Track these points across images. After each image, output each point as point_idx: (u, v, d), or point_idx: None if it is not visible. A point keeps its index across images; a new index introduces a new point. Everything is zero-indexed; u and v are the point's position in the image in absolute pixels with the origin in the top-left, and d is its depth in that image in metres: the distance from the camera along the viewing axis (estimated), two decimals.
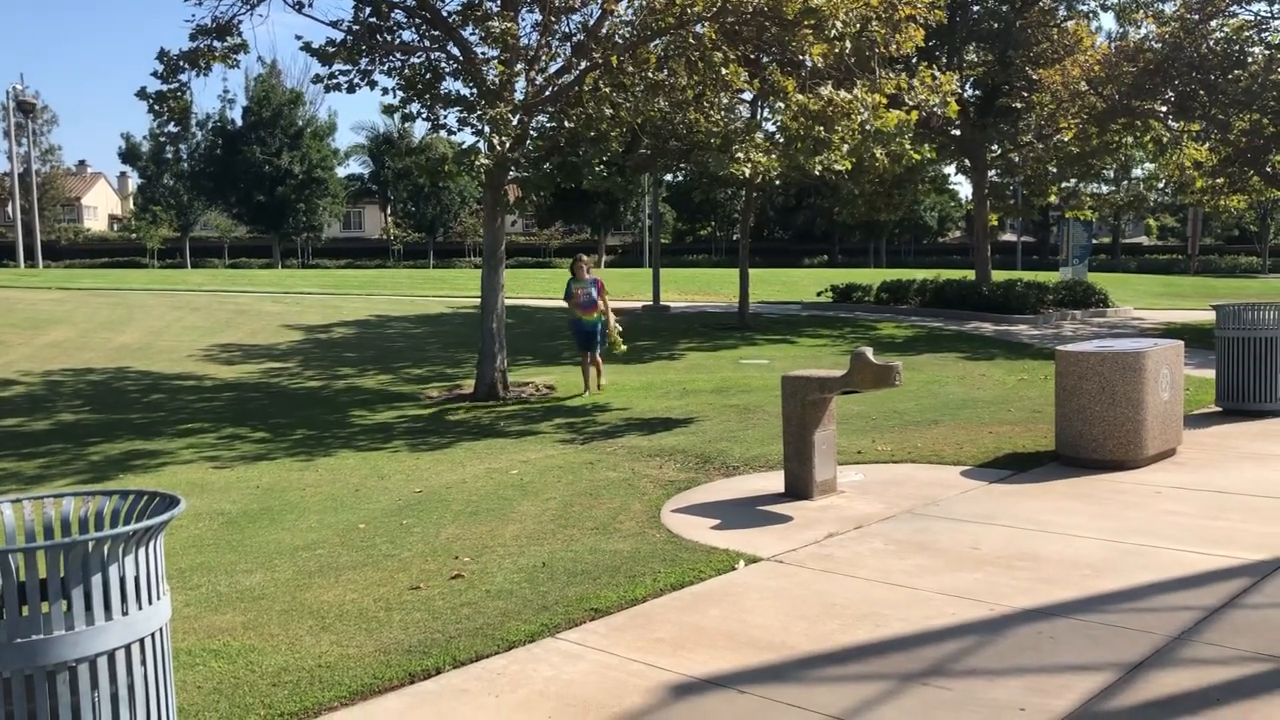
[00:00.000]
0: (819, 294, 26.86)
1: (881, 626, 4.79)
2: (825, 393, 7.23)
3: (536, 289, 31.43)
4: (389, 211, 69.16)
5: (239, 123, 57.61)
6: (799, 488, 7.22)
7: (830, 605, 5.09)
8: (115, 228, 77.23)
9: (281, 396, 13.83)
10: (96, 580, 2.59)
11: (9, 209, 60.98)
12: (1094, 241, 29.94)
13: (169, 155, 57.73)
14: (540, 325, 21.58)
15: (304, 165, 57.95)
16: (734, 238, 66.26)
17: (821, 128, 12.20)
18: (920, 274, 28.43)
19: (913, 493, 7.35)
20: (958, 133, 24.04)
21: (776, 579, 5.55)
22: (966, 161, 25.60)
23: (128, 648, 2.66)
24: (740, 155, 12.46)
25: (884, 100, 12.53)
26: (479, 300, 14.10)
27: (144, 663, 2.72)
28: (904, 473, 8.07)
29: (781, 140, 13.32)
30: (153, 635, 2.75)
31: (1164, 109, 22.32)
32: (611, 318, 13.35)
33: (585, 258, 13.81)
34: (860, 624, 4.83)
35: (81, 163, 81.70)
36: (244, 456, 9.78)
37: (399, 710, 4.03)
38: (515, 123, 12.39)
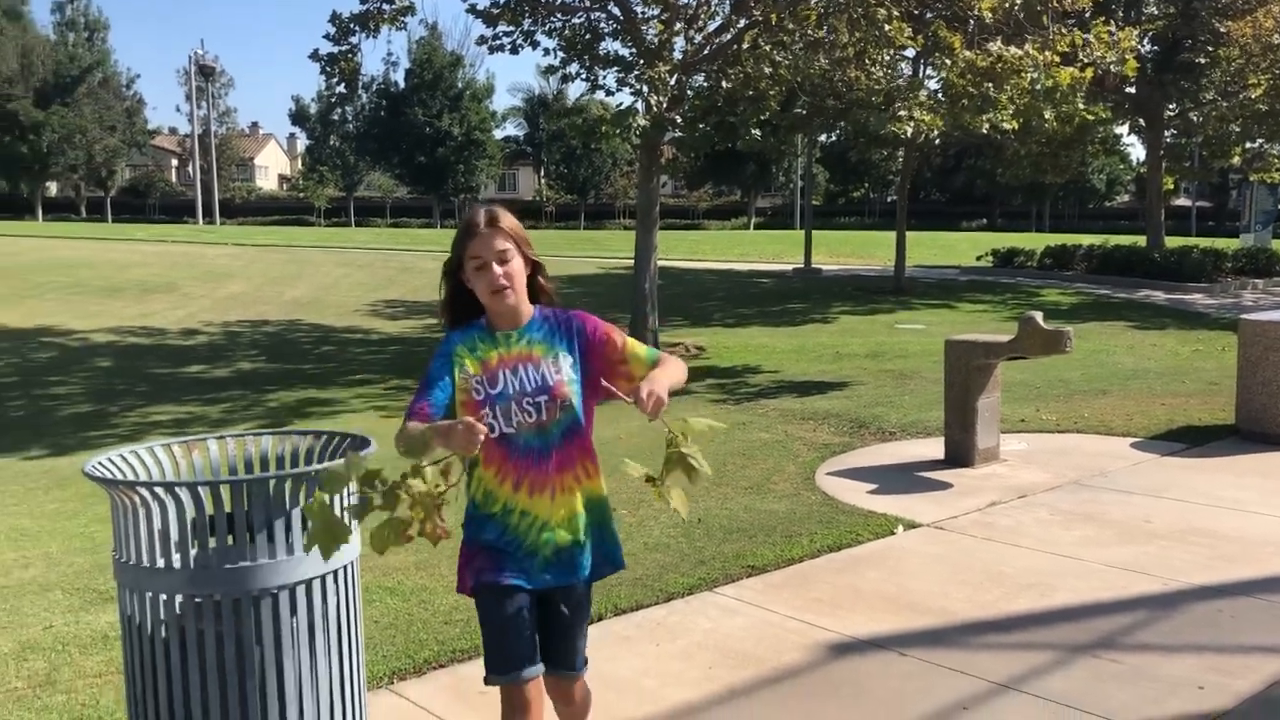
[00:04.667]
0: (978, 258, 26.08)
1: (1047, 596, 4.68)
2: (991, 358, 7.05)
3: (686, 250, 31.47)
4: (542, 173, 70.13)
5: (401, 85, 59.18)
6: (960, 455, 7.08)
7: (993, 573, 5.00)
8: (284, 187, 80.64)
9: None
10: (296, 514, 2.76)
11: (189, 169, 64.31)
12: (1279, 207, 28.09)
13: (336, 117, 59.72)
14: (690, 287, 21.63)
15: (463, 127, 59.17)
16: (888, 200, 64.86)
17: (989, 85, 11.79)
18: (1086, 239, 27.30)
19: (1080, 463, 7.12)
20: (1133, 91, 22.86)
21: (936, 545, 5.48)
22: (1141, 121, 24.37)
23: (323, 578, 2.82)
24: (903, 113, 12.16)
25: (1056, 58, 12.02)
26: (629, 261, 14.23)
27: (336, 594, 2.88)
28: (1070, 443, 7.82)
29: (945, 98, 12.94)
30: (345, 568, 2.90)
31: None
32: (658, 394, 2.57)
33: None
34: (1025, 593, 4.73)
35: (254, 124, 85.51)
36: None
37: None
38: (673, 82, 12.38)
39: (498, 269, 2.58)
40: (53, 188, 63.74)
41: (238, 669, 2.71)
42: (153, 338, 15.62)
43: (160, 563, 2.72)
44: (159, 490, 2.70)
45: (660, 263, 13.78)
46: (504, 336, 2.67)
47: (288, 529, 2.76)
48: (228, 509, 2.72)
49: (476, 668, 3.51)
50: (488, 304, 2.63)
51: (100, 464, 2.85)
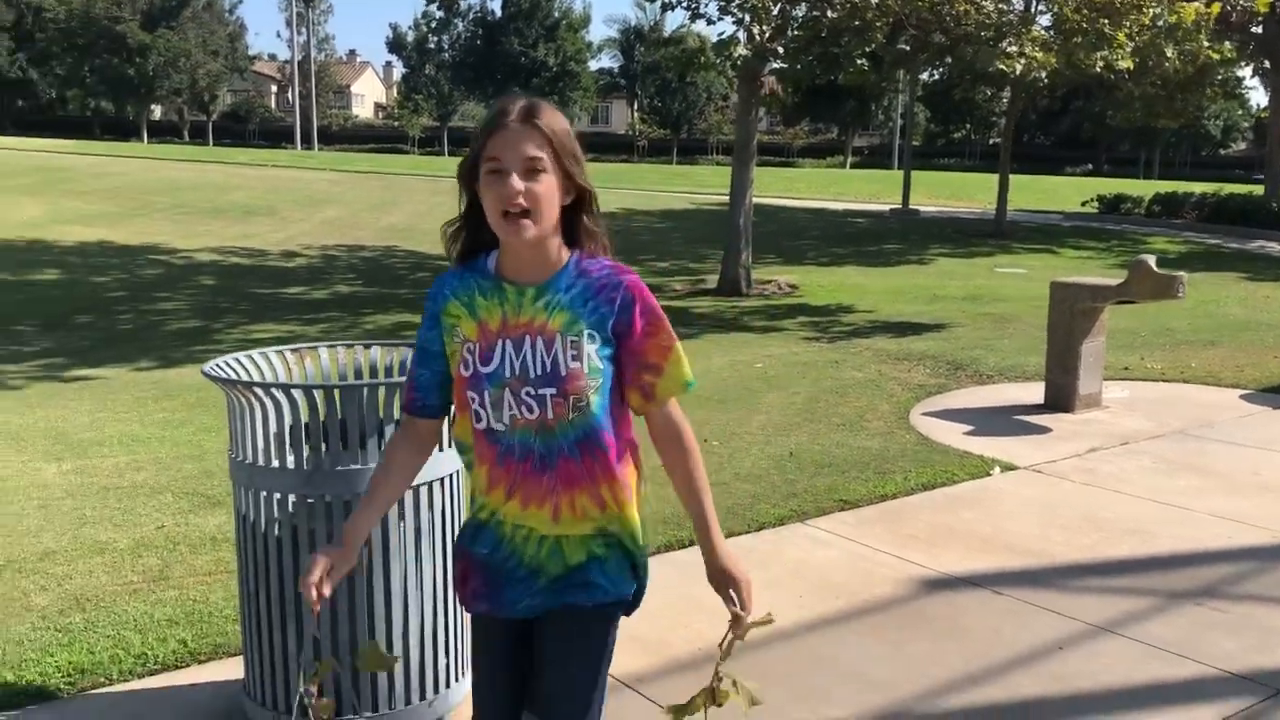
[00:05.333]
0: (1083, 204, 25.28)
1: (1148, 543, 4.57)
2: (1097, 301, 6.84)
3: (780, 188, 31.06)
4: (635, 107, 69.65)
5: (498, 14, 59.06)
6: (1060, 399, 6.92)
7: (1092, 518, 4.90)
8: (380, 115, 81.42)
9: None
10: None
11: (289, 95, 65.22)
12: None
13: (432, 45, 59.96)
14: (783, 224, 21.38)
15: (558, 58, 59.00)
16: (990, 141, 63.04)
17: (1106, 21, 11.32)
18: (1198, 186, 26.24)
19: (1185, 413, 6.91)
20: (1259, 30, 21.76)
21: (1034, 487, 5.38)
22: (1266, 63, 23.23)
23: (429, 485, 2.88)
24: (1012, 50, 11.76)
25: None
26: (722, 197, 14.10)
27: (441, 501, 2.93)
28: (1176, 392, 7.59)
29: (1058, 34, 12.47)
30: (450, 476, 2.96)
31: None
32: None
33: None
34: (1125, 539, 4.63)
35: (351, 52, 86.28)
36: None
37: (658, 573, 4.19)
38: (776, 11, 12.13)
39: (517, 181, 1.83)
40: (157, 111, 65.25)
41: None
42: (253, 258, 16.00)
43: (275, 462, 2.80)
44: (275, 392, 2.77)
45: (754, 200, 13.61)
46: (515, 292, 1.95)
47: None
48: (339, 414, 2.78)
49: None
50: (498, 231, 1.89)
51: (219, 365, 2.93)
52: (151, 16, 56.42)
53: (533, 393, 1.90)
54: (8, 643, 3.56)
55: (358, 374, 3.23)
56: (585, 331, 1.92)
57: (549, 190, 1.86)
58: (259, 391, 2.76)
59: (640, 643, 3.51)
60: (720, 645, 1.95)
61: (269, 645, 2.91)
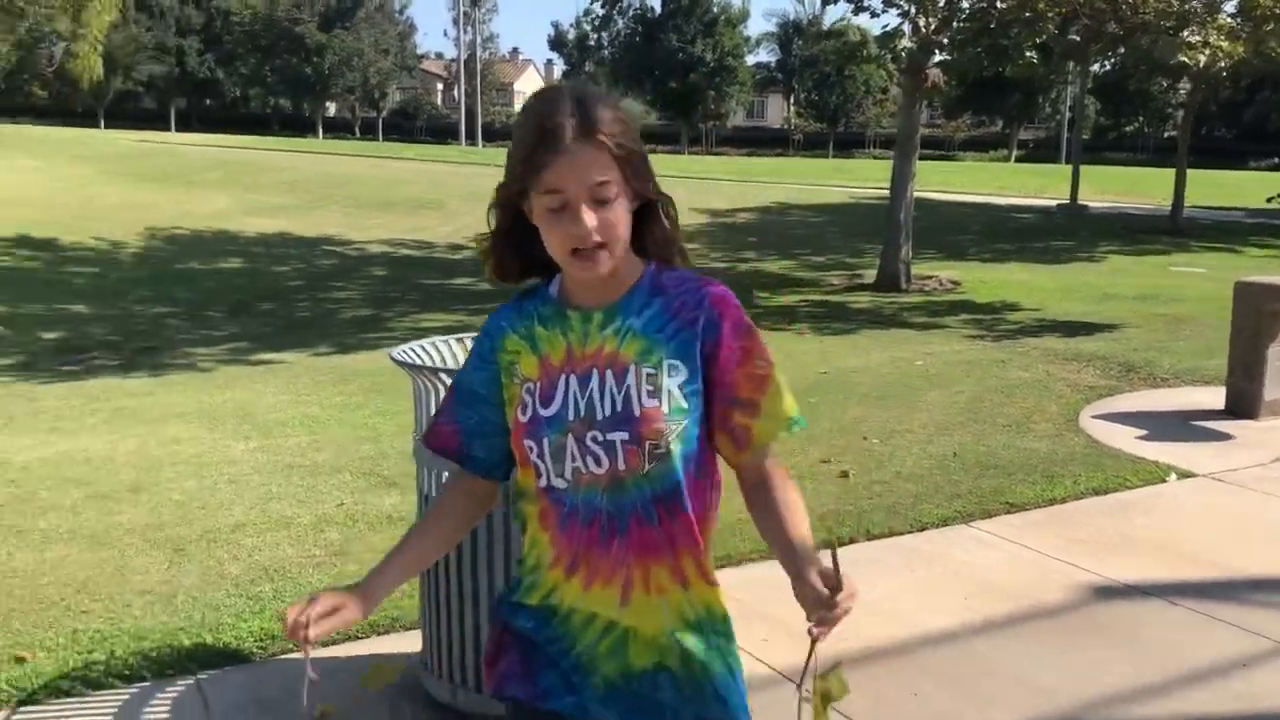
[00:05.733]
0: (1268, 200, 23.83)
1: None
2: None
3: (940, 182, 30.31)
4: (791, 100, 69.07)
5: (658, 10, 59.45)
6: (1243, 405, 6.59)
7: (1278, 530, 4.66)
8: None
9: None
10: None
11: (454, 93, 67.18)
12: None
13: (592, 43, 60.81)
14: (944, 219, 20.89)
15: (715, 53, 59.01)
16: (1165, 134, 60.10)
17: None
18: None
19: None
20: None
21: (1213, 496, 5.15)
22: None
23: None
24: (1194, 39, 11.21)
25: None
26: (880, 191, 13.89)
27: None
28: None
29: (1247, 22, 11.82)
30: None
31: None
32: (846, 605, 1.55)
33: None
34: None
35: (514, 50, 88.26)
36: None
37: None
38: (943, 3, 11.87)
39: (588, 217, 1.51)
40: (331, 108, 68.14)
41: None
42: (422, 250, 16.58)
43: None
44: None
45: (915, 194, 13.35)
46: (581, 318, 1.62)
47: None
48: None
49: (768, 568, 3.60)
50: (566, 268, 1.59)
51: (405, 351, 3.09)
52: (328, 18, 58.97)
53: (600, 438, 1.55)
54: (206, 608, 3.83)
55: None
56: (664, 361, 1.57)
57: (622, 213, 1.54)
58: (444, 376, 2.89)
59: (795, 639, 3.53)
60: (809, 657, 1.49)
61: (447, 622, 3.05)
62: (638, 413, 1.55)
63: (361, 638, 3.63)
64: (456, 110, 60.17)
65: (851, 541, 4.49)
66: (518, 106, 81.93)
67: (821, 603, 1.44)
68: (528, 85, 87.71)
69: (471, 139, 56.44)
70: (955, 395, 7.25)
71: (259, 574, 4.14)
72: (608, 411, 1.56)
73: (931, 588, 4.05)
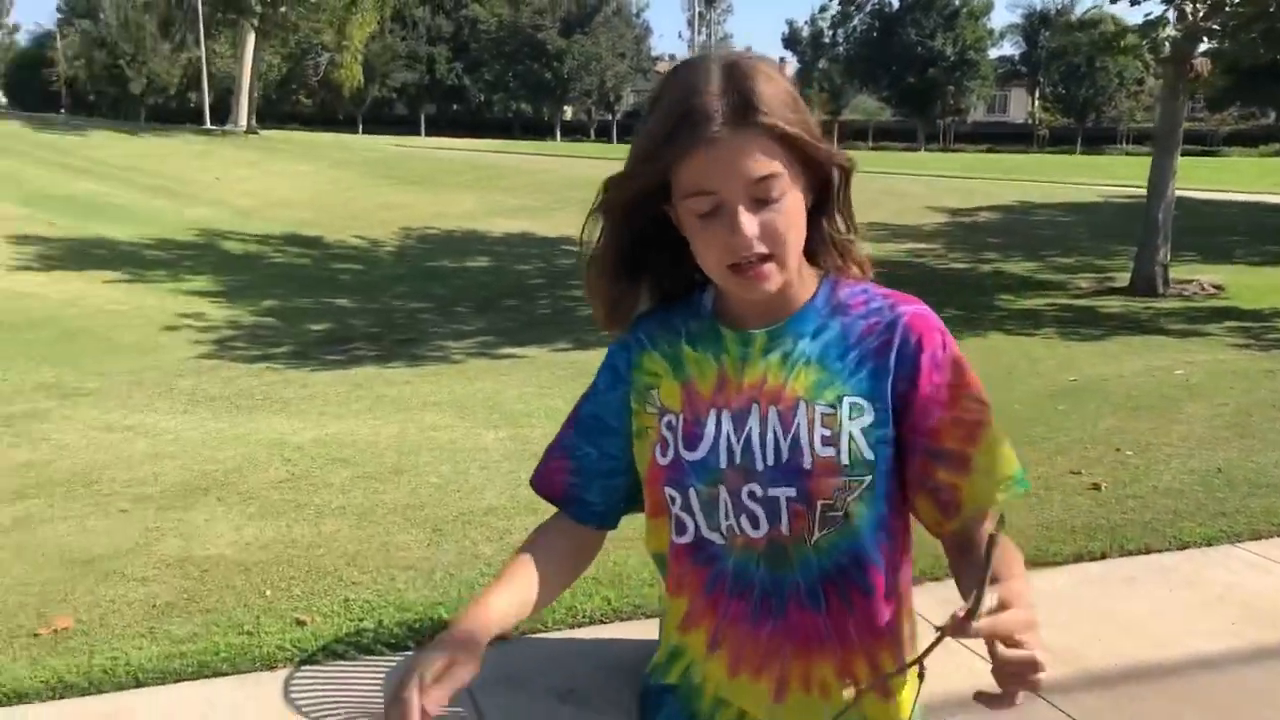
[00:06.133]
0: None
1: None
2: None
3: (1202, 179, 28.27)
4: (1036, 94, 66.07)
5: (895, 5, 58.22)
6: None
7: None
8: None
9: (930, 276, 14.09)
10: None
11: None
12: None
13: (827, 39, 60.20)
14: (1205, 219, 19.47)
15: (956, 47, 57.25)
16: None
17: None
18: None
19: None
20: None
21: None
22: None
23: None
24: None
25: None
26: (1133, 190, 13.10)
27: None
28: None
29: None
30: None
31: None
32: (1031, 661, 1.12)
33: None
34: None
35: (748, 49, 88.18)
36: None
37: (1069, 584, 4.04)
38: None
39: (748, 223, 1.18)
40: (568, 111, 70.37)
41: None
42: None
43: None
44: None
45: (1176, 192, 12.53)
46: (738, 339, 1.30)
47: None
48: None
49: None
50: (723, 285, 1.26)
51: None
52: (569, 24, 60.94)
53: (759, 493, 1.24)
54: (462, 585, 4.06)
55: None
56: (844, 399, 1.24)
57: (793, 212, 1.21)
58: None
59: (1051, 652, 3.41)
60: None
61: None
62: (808, 464, 1.22)
63: (606, 623, 3.77)
64: None
65: (1104, 556, 4.29)
66: None
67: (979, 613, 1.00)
68: None
69: None
70: (1219, 407, 6.77)
71: (509, 556, 4.35)
72: (769, 460, 1.24)
73: (1193, 610, 3.81)
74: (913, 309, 1.30)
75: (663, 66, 79.33)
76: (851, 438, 1.23)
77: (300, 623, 3.73)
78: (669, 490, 1.29)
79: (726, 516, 1.26)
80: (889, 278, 1.39)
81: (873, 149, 59.20)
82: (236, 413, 6.93)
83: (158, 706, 3.24)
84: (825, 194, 1.27)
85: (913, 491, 1.28)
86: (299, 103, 61.83)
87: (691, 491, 1.27)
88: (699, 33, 63.78)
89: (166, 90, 58.20)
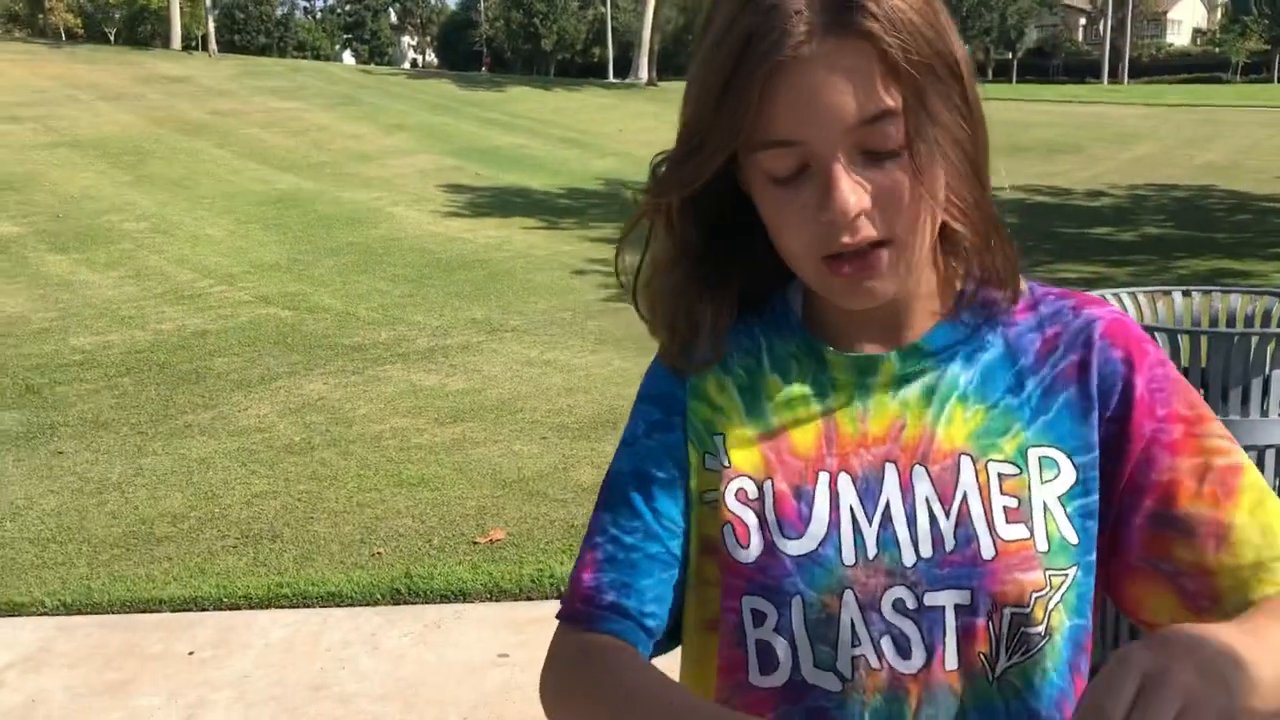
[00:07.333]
0: None
1: None
2: None
3: None
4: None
5: None
6: None
7: None
8: (1198, 42, 74.80)
9: None
10: (1276, 376, 2.65)
11: (1098, 27, 62.93)
12: None
13: None
14: None
15: None
16: None
17: None
18: None
19: None
20: None
21: None
22: None
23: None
24: None
25: None
26: None
27: None
28: None
29: None
30: None
31: None
32: None
33: None
34: None
35: None
36: None
37: None
38: None
39: (847, 192, 0.74)
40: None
41: None
42: (1058, 197, 15.89)
43: None
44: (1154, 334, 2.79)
45: None
46: (852, 366, 0.86)
47: (1265, 390, 2.66)
48: (1202, 362, 2.71)
49: None
50: (816, 286, 0.82)
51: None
52: None
53: (912, 602, 0.80)
54: None
55: (1213, 321, 3.11)
56: (1032, 451, 0.82)
57: (931, 174, 0.77)
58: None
59: None
60: None
61: None
62: (988, 552, 0.79)
63: None
64: (1099, 45, 56.35)
65: None
66: (1170, 36, 74.84)
67: None
68: (1184, 13, 79.45)
69: (1114, 75, 52.62)
70: None
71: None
72: (924, 550, 0.80)
73: None
74: (1107, 313, 0.86)
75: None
76: (1047, 510, 0.81)
77: None
78: (754, 603, 0.82)
79: (854, 643, 0.80)
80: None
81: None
82: (639, 355, 7.37)
83: None
84: (971, 163, 0.82)
85: (1130, 579, 0.82)
86: None
87: (796, 603, 0.81)
88: None
89: (574, 46, 62.18)
